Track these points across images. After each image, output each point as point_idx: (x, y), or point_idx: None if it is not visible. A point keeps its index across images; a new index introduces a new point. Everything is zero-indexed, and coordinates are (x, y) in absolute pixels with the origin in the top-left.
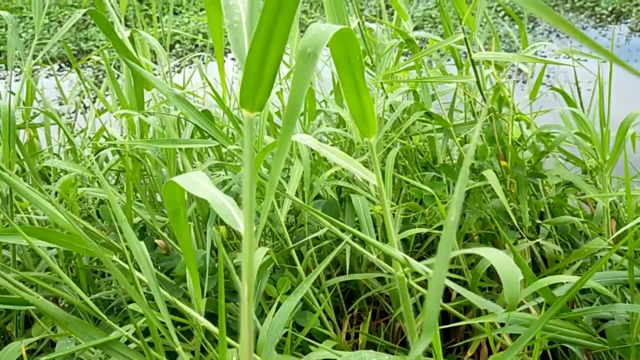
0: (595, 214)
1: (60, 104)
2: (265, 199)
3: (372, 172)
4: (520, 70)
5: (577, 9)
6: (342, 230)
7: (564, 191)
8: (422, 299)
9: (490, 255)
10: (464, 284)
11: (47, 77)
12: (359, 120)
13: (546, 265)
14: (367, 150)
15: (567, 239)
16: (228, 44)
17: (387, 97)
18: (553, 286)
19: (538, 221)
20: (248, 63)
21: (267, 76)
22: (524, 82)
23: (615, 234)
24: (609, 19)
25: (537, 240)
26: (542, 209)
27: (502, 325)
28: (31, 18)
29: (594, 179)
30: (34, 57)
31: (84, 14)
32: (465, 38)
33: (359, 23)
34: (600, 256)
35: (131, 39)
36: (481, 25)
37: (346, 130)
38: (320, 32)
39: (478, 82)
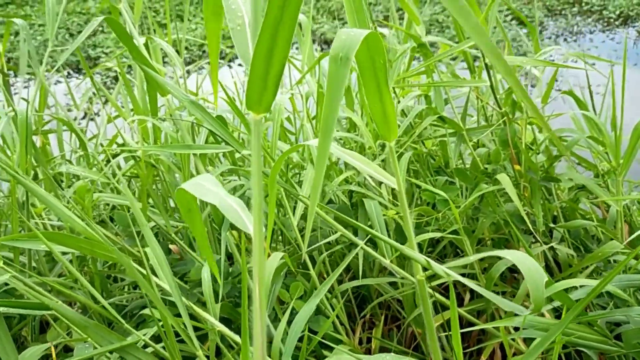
0: (609, 217)
1: (70, 110)
2: (309, 208)
3: (392, 175)
4: (527, 74)
5: (584, 12)
6: (355, 234)
7: (576, 195)
8: (435, 303)
9: (512, 256)
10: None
11: (55, 83)
12: (381, 123)
13: (559, 270)
14: (379, 155)
15: (580, 243)
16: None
17: (399, 102)
18: (567, 290)
19: (551, 225)
20: (253, 65)
21: (273, 78)
22: (533, 86)
23: (630, 238)
24: (616, 23)
25: (551, 244)
26: (555, 213)
27: (516, 329)
28: (40, 25)
29: (606, 183)
30: (47, 64)
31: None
32: None
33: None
34: (615, 260)
35: (146, 45)
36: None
37: (357, 134)
38: (350, 37)
39: (492, 86)
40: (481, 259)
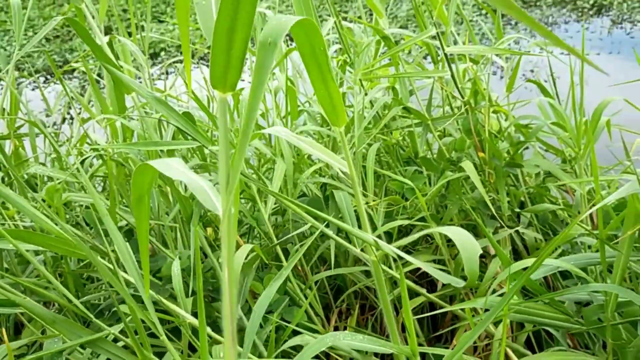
0: (574, 201)
1: (47, 115)
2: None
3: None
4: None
5: (558, 3)
6: (327, 225)
7: (544, 181)
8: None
9: (453, 232)
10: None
11: (32, 89)
12: (328, 110)
13: (528, 253)
14: (351, 147)
15: (549, 228)
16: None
17: (366, 94)
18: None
19: (518, 210)
20: (215, 41)
21: (236, 54)
22: (502, 77)
23: (585, 214)
24: (590, 12)
25: (517, 228)
26: (523, 199)
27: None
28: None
29: (573, 168)
30: (18, 68)
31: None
32: (438, 33)
33: (335, 22)
34: (580, 242)
35: (111, 45)
36: (460, 23)
37: (329, 129)
38: (280, 23)
39: (453, 76)
40: (449, 245)
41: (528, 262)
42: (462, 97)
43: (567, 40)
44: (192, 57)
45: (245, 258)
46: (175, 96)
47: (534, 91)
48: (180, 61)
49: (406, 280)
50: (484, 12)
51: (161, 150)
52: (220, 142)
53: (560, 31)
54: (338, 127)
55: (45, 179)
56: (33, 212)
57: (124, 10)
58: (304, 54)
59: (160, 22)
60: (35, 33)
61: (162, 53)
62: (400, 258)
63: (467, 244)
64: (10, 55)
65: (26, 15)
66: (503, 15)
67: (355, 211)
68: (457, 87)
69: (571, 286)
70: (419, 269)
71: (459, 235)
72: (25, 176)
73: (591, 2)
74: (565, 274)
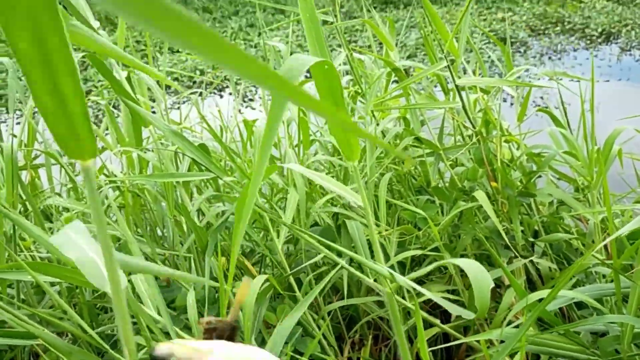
0: (588, 230)
1: None
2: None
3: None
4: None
5: (567, 31)
6: (339, 255)
7: (557, 209)
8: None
9: (465, 264)
10: (463, 305)
11: None
12: (343, 145)
13: (542, 283)
14: (363, 176)
15: (563, 257)
16: (226, 78)
17: (378, 124)
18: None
19: (532, 239)
20: (40, 104)
21: (76, 113)
22: (512, 104)
23: (601, 244)
24: (599, 40)
25: (531, 258)
26: (536, 228)
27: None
28: None
29: (586, 197)
30: None
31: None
32: (448, 65)
33: (347, 55)
34: (595, 272)
35: (128, 78)
36: (469, 51)
37: (341, 159)
38: (298, 63)
39: (464, 107)
40: (462, 275)
41: (543, 293)
42: (474, 127)
43: (576, 67)
44: (206, 87)
45: (260, 288)
46: (189, 127)
47: (545, 117)
48: (194, 92)
49: (420, 311)
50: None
51: (177, 182)
52: (93, 215)
53: (569, 58)
54: (352, 162)
55: (62, 209)
56: (49, 242)
57: (137, 42)
58: (321, 92)
59: (173, 52)
60: None
61: (176, 82)
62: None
63: (479, 276)
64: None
65: None
66: (512, 44)
67: (368, 240)
68: (469, 118)
69: (587, 316)
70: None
71: (471, 267)
72: (41, 207)
73: (599, 30)
74: (580, 304)
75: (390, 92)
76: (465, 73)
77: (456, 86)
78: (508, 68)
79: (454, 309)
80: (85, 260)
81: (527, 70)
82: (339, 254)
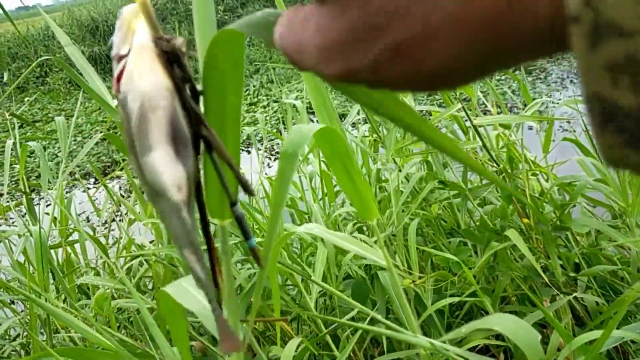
0: (631, 258)
1: (98, 215)
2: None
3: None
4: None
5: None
6: (374, 306)
7: (596, 239)
8: None
9: (500, 323)
10: (508, 350)
11: (82, 191)
12: (358, 205)
13: (590, 319)
14: (391, 224)
15: (609, 288)
16: (260, 140)
17: (400, 170)
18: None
19: (573, 274)
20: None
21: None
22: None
23: None
24: None
25: (574, 294)
26: (577, 260)
27: None
28: (55, 141)
29: (625, 222)
30: (70, 173)
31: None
32: (463, 107)
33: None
34: None
35: None
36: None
37: None
38: (301, 134)
39: (484, 146)
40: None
41: (591, 335)
42: (498, 165)
43: None
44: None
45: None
46: None
47: (567, 146)
48: None
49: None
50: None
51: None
52: (224, 269)
53: None
54: (370, 221)
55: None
56: (80, 327)
57: None
58: (327, 157)
59: None
60: (84, 137)
61: None
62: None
63: (523, 335)
64: (58, 163)
65: (70, 133)
66: (530, 72)
67: (404, 290)
68: (491, 156)
69: None
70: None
71: (508, 324)
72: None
73: None
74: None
75: (410, 137)
76: (484, 108)
77: (473, 126)
78: (527, 100)
79: None
80: (204, 313)
81: (549, 95)
82: (374, 305)
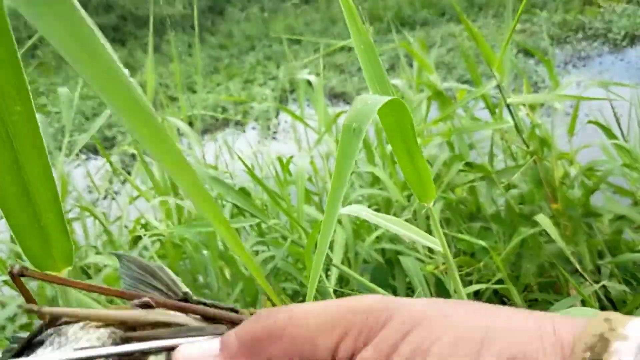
0: None
1: (90, 192)
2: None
3: (432, 235)
4: (549, 106)
5: (589, 37)
6: (394, 292)
7: (618, 226)
8: None
9: None
10: None
11: (75, 167)
12: (415, 186)
13: (614, 307)
14: (406, 208)
15: (631, 276)
16: (256, 119)
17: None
18: None
19: (599, 262)
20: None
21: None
22: (548, 116)
23: None
24: (623, 44)
25: (602, 282)
26: (600, 248)
27: None
28: (56, 113)
29: None
30: (67, 149)
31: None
32: (498, 85)
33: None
34: None
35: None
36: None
37: (381, 189)
38: (367, 106)
39: (516, 126)
40: (529, 306)
41: None
42: (528, 147)
43: (603, 73)
44: (227, 125)
45: None
46: (227, 171)
47: (588, 130)
48: (225, 133)
49: None
50: (513, 52)
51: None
52: None
53: (595, 65)
54: (427, 203)
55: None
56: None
57: (160, 84)
58: (391, 134)
59: (194, 92)
60: (75, 113)
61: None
62: None
63: None
64: (52, 136)
65: (74, 105)
66: (532, 55)
67: (424, 276)
68: (522, 138)
69: None
70: None
71: None
72: (77, 261)
73: (622, 33)
74: None
75: (438, 119)
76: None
77: (507, 106)
78: (554, 84)
79: None
80: None
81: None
82: (394, 292)
